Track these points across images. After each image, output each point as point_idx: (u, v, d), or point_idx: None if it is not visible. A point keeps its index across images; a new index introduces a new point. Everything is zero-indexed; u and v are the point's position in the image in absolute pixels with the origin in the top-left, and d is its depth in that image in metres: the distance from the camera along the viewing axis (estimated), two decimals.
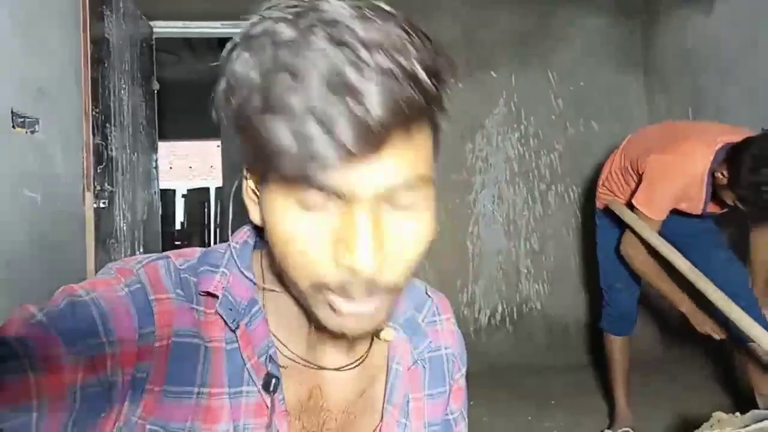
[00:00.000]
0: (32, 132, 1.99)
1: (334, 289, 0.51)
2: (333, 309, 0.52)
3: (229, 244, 0.64)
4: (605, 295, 2.50)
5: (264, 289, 0.62)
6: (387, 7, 0.48)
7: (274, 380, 0.57)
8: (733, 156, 1.89)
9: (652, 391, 2.70)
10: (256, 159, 0.50)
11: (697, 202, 2.03)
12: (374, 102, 0.43)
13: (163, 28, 3.39)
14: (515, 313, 3.52)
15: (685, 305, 2.17)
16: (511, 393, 2.86)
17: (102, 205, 2.49)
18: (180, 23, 3.41)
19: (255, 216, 0.57)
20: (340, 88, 0.43)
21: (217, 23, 3.35)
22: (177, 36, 3.55)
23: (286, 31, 0.46)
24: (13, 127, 1.88)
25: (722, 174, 1.92)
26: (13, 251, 1.84)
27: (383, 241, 0.49)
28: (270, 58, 0.45)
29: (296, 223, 0.50)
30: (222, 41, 4.89)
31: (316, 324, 0.58)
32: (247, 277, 0.61)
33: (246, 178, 0.57)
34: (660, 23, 3.47)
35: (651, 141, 2.17)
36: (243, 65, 0.47)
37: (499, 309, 3.52)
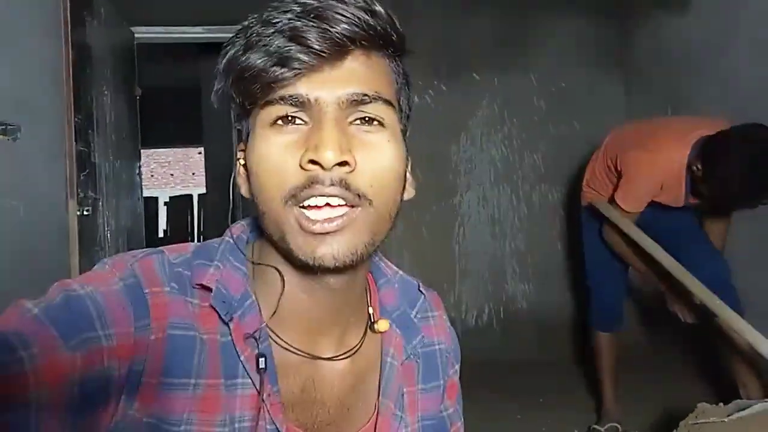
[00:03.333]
0: (14, 140, 1.97)
1: (302, 192, 0.55)
2: (304, 229, 0.55)
3: (224, 238, 0.65)
4: (591, 292, 2.53)
5: (255, 266, 0.64)
6: None
7: (263, 359, 0.58)
8: (705, 150, 1.94)
9: (638, 385, 2.73)
10: (243, 99, 0.58)
11: (676, 195, 2.09)
12: (337, 21, 0.53)
13: (144, 33, 3.37)
14: (502, 313, 3.55)
15: (663, 284, 2.24)
16: (499, 392, 2.87)
17: (85, 213, 2.46)
18: (161, 29, 3.39)
19: (245, 190, 0.63)
20: (308, 14, 0.53)
21: (198, 29, 3.34)
22: (158, 42, 3.53)
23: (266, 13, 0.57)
24: None
25: (697, 167, 1.97)
26: None
27: (349, 143, 0.55)
28: (250, 24, 0.56)
29: (270, 142, 0.56)
30: (203, 47, 4.87)
31: (295, 261, 0.59)
32: (240, 271, 0.62)
33: (237, 159, 0.64)
34: (637, 24, 3.53)
35: (629, 138, 2.22)
36: (230, 44, 0.58)
37: (486, 309, 3.54)
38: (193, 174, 15.46)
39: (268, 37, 0.54)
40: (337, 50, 0.54)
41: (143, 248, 0.62)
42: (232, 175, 0.65)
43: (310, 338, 0.64)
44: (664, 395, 2.62)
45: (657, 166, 2.05)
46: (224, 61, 0.58)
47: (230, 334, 0.59)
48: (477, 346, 3.39)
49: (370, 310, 0.70)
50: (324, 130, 0.54)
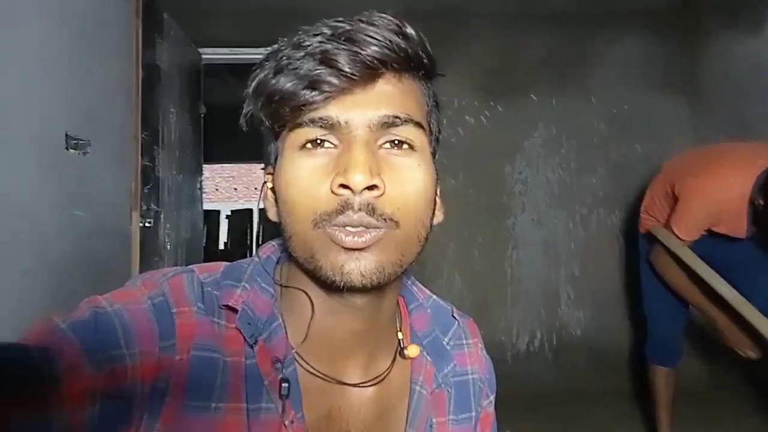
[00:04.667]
0: (84, 153, 2.07)
1: (333, 217, 0.54)
2: (336, 242, 0.54)
3: (253, 259, 0.65)
4: (649, 324, 2.42)
5: (283, 288, 0.63)
6: None
7: (286, 384, 0.57)
8: (766, 183, 1.84)
9: (696, 421, 2.59)
10: (273, 122, 0.57)
11: (737, 225, 1.97)
12: (368, 44, 0.53)
13: (211, 54, 3.51)
14: (555, 340, 3.44)
15: (720, 320, 2.09)
16: (550, 422, 2.78)
17: (147, 224, 2.56)
18: (227, 50, 3.53)
19: (273, 214, 0.62)
20: (338, 37, 0.53)
21: (262, 50, 3.44)
22: (224, 62, 3.67)
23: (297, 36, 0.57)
24: (67, 148, 1.97)
25: (759, 202, 1.86)
26: (59, 269, 1.91)
27: (378, 166, 0.54)
28: (280, 48, 0.57)
29: (299, 165, 0.56)
30: None
31: (322, 280, 0.57)
32: (267, 292, 0.62)
33: (265, 182, 0.63)
34: (705, 44, 3.40)
35: (689, 165, 2.13)
36: (259, 67, 0.59)
37: (538, 335, 3.44)
38: (255, 189, 15.88)
39: (299, 60, 0.54)
40: (368, 73, 0.54)
41: (202, 259, 0.62)
42: (259, 199, 0.65)
43: (336, 363, 0.63)
44: None
45: (715, 194, 1.95)
46: (253, 84, 0.58)
47: (255, 357, 0.58)
48: (528, 372, 3.31)
49: (400, 335, 0.68)
50: (354, 153, 0.53)
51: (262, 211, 8.03)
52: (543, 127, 3.50)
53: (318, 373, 0.61)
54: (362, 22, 0.54)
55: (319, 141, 0.55)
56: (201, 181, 3.52)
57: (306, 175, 0.55)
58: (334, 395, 0.62)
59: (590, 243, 3.48)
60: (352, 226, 0.53)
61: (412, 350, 0.66)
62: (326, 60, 0.53)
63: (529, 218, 3.48)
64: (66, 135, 1.96)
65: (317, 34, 0.55)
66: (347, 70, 0.52)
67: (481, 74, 3.42)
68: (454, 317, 0.74)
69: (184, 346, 0.55)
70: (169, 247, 2.83)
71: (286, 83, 0.54)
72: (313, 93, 0.53)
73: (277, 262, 0.66)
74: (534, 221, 3.49)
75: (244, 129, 0.62)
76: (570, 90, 3.49)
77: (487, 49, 3.43)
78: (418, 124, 0.57)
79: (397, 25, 0.55)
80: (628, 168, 3.43)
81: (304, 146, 0.56)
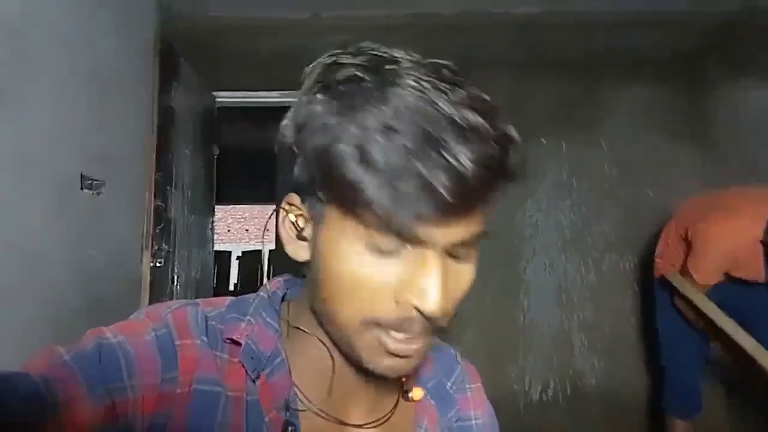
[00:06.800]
0: (98, 193, 2.10)
1: (389, 326, 0.51)
2: (380, 346, 0.53)
3: (259, 293, 0.64)
4: (666, 374, 2.36)
5: (290, 326, 0.62)
6: (447, 62, 0.52)
7: (290, 428, 0.56)
8: None
9: None
10: (332, 200, 0.51)
11: (754, 269, 1.96)
12: (470, 159, 0.45)
13: (226, 98, 3.58)
14: (569, 389, 3.35)
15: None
16: None
17: (158, 264, 2.57)
18: (241, 94, 3.60)
19: (294, 251, 0.58)
20: (436, 145, 0.45)
21: (275, 93, 3.52)
22: (237, 105, 3.74)
23: (370, 82, 0.48)
24: (81, 188, 2.00)
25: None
26: (70, 306, 1.91)
27: (447, 285, 0.51)
28: (361, 110, 0.47)
29: (364, 265, 0.50)
30: (278, 110, 5.12)
31: (353, 362, 0.57)
32: (272, 327, 0.61)
33: (286, 211, 0.58)
34: (713, 92, 3.42)
35: (701, 210, 2.13)
36: (326, 107, 0.50)
37: (551, 384, 3.36)
38: (267, 230, 15.95)
39: (393, 168, 0.45)
40: (471, 200, 0.48)
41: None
42: (275, 225, 0.62)
43: (338, 402, 0.62)
44: None
45: (728, 237, 1.95)
46: (312, 123, 0.50)
47: (257, 393, 0.57)
48: (541, 423, 3.22)
49: (404, 378, 0.67)
50: (432, 277, 0.49)
51: (273, 253, 8.08)
52: (554, 172, 3.51)
53: (320, 413, 0.60)
54: (453, 103, 0.47)
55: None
56: (213, 222, 3.54)
57: (370, 275, 0.50)
58: None
59: (603, 288, 3.43)
60: (411, 331, 0.52)
61: (417, 393, 0.66)
62: (424, 184, 0.45)
63: (540, 263, 3.45)
64: (81, 175, 1.99)
65: (409, 123, 0.45)
66: (450, 201, 0.45)
67: None
68: (458, 362, 0.74)
69: (185, 379, 0.55)
70: (178, 287, 2.83)
71: (371, 186, 0.46)
72: (405, 218, 0.46)
73: (284, 298, 0.65)
74: (545, 266, 3.45)
75: (276, 152, 0.56)
76: (580, 135, 3.50)
77: (496, 95, 3.37)
78: (486, 233, 0.54)
79: (505, 135, 0.49)
80: (639, 212, 3.41)
81: (374, 249, 0.50)
